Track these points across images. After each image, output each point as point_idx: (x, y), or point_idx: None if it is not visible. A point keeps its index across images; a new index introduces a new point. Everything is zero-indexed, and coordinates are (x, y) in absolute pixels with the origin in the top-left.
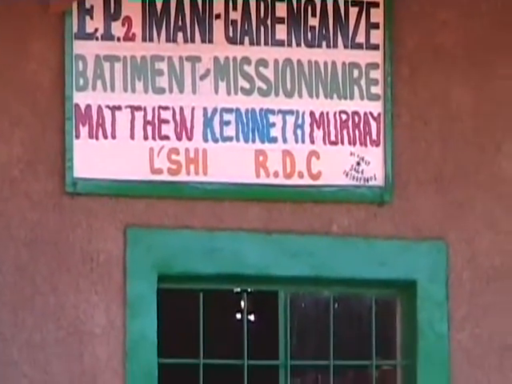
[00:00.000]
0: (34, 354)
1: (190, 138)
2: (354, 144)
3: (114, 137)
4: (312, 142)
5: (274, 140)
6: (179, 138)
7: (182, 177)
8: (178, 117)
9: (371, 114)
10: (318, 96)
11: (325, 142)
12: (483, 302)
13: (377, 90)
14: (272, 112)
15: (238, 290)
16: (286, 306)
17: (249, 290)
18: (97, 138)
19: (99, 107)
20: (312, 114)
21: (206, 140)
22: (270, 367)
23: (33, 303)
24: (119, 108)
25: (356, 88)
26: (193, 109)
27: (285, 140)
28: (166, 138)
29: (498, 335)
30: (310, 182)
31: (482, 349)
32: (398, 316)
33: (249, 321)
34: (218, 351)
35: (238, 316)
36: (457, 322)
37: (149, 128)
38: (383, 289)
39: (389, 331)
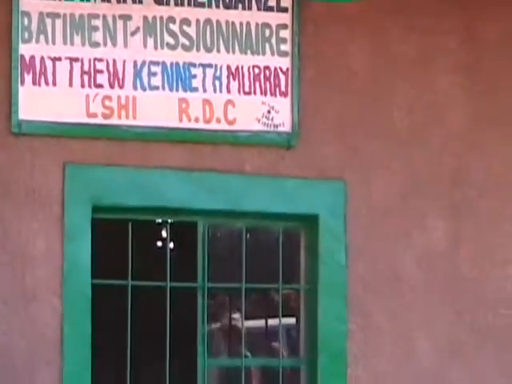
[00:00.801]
0: None
1: (121, 87)
2: (266, 94)
3: (54, 84)
4: (228, 91)
5: (195, 90)
6: (112, 87)
7: (114, 120)
8: (111, 68)
9: (280, 68)
10: (234, 52)
11: (240, 93)
12: (377, 235)
13: (285, 47)
14: (194, 65)
15: (161, 220)
16: (205, 235)
17: (172, 220)
18: (39, 85)
19: (42, 58)
20: (229, 67)
21: (135, 88)
22: (189, 289)
23: None
24: (59, 59)
25: (267, 45)
26: (124, 61)
27: (205, 90)
28: (101, 86)
29: (389, 265)
30: (227, 127)
31: (375, 277)
32: (302, 246)
33: (171, 248)
34: (144, 274)
35: (162, 244)
36: (354, 252)
37: (85, 77)
38: (289, 222)
39: (294, 259)
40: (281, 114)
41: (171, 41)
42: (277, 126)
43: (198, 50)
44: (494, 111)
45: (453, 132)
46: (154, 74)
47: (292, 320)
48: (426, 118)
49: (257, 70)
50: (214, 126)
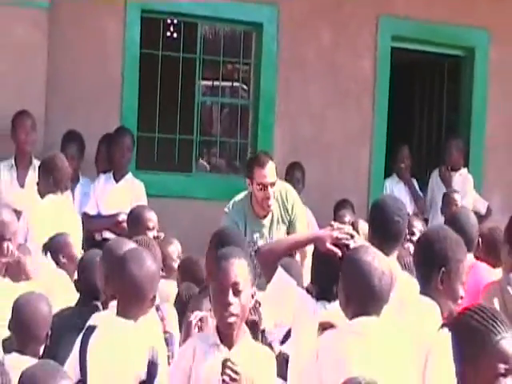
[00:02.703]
0: None
1: None
2: None
3: None
4: None
5: None
6: None
7: None
8: None
9: None
10: None
11: None
12: (295, 38)
13: None
14: None
15: (176, 21)
16: (202, 31)
17: (184, 21)
18: None
19: None
20: None
21: None
22: (192, 59)
23: None
24: None
25: None
26: None
27: None
28: None
29: (301, 62)
30: None
31: (297, 63)
32: (253, 41)
33: (183, 38)
34: (169, 48)
35: (177, 35)
36: (281, 50)
37: None
38: (247, 26)
39: (249, 48)
40: None
41: None
42: None
43: None
44: None
45: None
46: None
47: (244, 86)
48: None
49: None
50: None
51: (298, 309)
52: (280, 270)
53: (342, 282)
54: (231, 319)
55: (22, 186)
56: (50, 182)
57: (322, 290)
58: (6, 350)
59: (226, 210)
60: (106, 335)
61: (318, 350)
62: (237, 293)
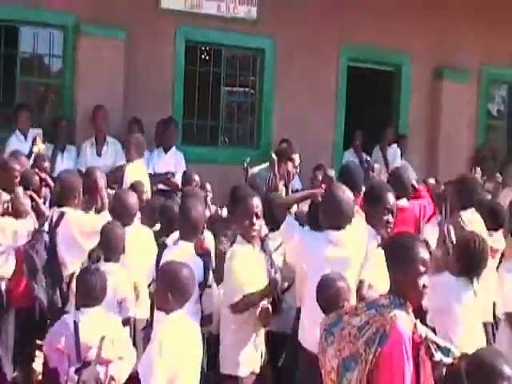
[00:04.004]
0: None
1: None
2: None
3: None
4: None
5: None
6: None
7: None
8: None
9: None
10: None
11: None
12: (289, 60)
13: None
14: None
15: (208, 48)
16: (224, 55)
17: (213, 49)
18: None
19: None
20: None
21: None
22: (217, 73)
23: None
24: None
25: None
26: None
27: None
28: None
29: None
30: None
31: (293, 59)
32: (258, 62)
33: (213, 58)
34: (206, 63)
35: (210, 57)
36: (280, 65)
37: None
38: (253, 51)
39: (256, 64)
40: None
41: None
42: None
43: None
44: None
45: None
46: None
47: (252, 90)
48: None
49: None
50: None
51: (300, 238)
52: (288, 216)
53: (322, 206)
54: (255, 233)
55: (99, 155)
56: (139, 152)
57: (315, 226)
58: (92, 260)
59: (256, 169)
60: (176, 251)
61: (306, 248)
62: (257, 217)
